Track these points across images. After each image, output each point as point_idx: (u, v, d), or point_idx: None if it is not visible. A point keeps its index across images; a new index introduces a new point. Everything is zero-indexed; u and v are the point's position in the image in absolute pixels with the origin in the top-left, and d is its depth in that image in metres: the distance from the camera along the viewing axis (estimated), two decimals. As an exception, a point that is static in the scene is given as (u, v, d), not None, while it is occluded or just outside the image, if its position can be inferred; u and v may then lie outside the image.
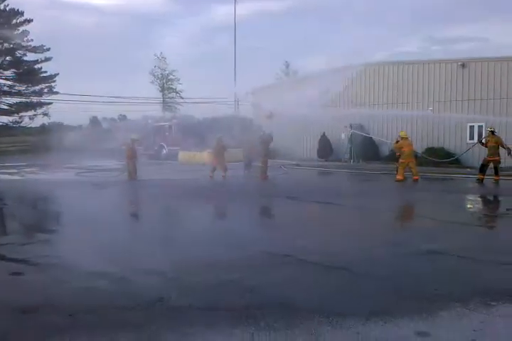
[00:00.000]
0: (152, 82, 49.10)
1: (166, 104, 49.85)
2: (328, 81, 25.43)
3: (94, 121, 44.30)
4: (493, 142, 15.07)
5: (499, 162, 15.08)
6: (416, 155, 18.78)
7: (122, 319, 4.26)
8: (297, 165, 22.43)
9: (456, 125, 21.65)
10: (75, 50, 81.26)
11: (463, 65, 21.27)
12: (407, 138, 15.84)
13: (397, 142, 15.99)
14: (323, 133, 25.01)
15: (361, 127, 24.22)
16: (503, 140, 15.39)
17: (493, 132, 15.36)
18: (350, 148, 23.73)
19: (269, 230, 8.46)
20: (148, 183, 16.36)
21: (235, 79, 32.48)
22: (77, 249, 6.95)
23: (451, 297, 4.67)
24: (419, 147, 21.95)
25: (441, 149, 21.64)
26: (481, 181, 14.94)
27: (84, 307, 4.49)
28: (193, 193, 13.56)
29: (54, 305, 4.57)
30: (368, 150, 22.16)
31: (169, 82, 50.08)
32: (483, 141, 15.69)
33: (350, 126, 23.91)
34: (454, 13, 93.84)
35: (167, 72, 52.48)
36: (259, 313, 4.22)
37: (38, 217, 10.62)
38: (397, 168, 15.67)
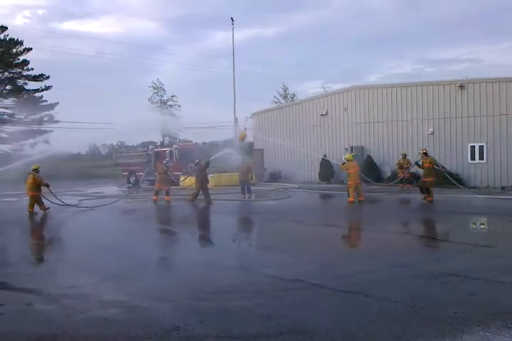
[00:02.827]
0: (151, 109, 49.50)
1: (165, 130, 50.13)
2: (326, 104, 25.77)
3: (93, 148, 44.49)
4: (427, 163, 15.63)
5: (433, 183, 15.57)
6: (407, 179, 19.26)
7: (140, 349, 4.18)
8: (299, 188, 22.38)
9: (457, 145, 21.75)
10: (74, 78, 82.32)
11: (461, 87, 21.51)
12: (352, 160, 16.54)
13: (344, 164, 16.60)
14: (324, 156, 25.08)
15: (362, 149, 24.31)
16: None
17: (425, 154, 15.95)
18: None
19: (277, 253, 8.35)
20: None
21: (234, 104, 32.66)
22: (87, 277, 6.89)
23: (472, 320, 4.61)
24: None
25: (443, 170, 21.65)
26: (429, 201, 15.26)
27: (99, 337, 4.42)
28: (181, 217, 13.52)
29: (69, 335, 4.49)
30: (369, 171, 22.16)
31: (168, 108, 50.57)
32: (419, 163, 16.18)
33: (351, 148, 23.99)
34: (446, 35, 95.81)
35: (166, 98, 53.06)
36: (279, 341, 4.15)
37: (42, 244, 10.51)
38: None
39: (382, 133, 23.88)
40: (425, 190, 15.59)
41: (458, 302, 5.19)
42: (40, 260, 8.92)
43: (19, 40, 43.93)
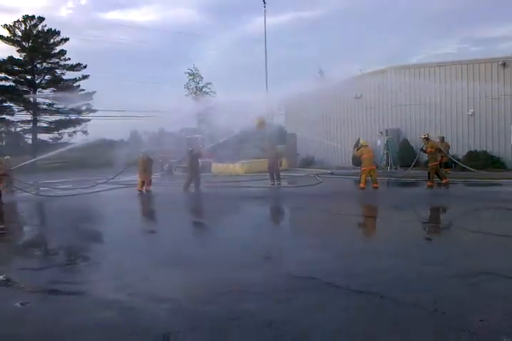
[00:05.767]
0: (187, 96, 49.44)
1: (200, 116, 50.04)
2: (362, 85, 24.77)
3: (135, 135, 44.93)
4: (429, 147, 15.54)
5: (434, 168, 15.29)
6: (446, 163, 18.26)
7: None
8: (331, 173, 21.73)
9: (499, 127, 20.50)
10: (116, 67, 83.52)
11: (504, 64, 20.16)
12: (367, 146, 16.26)
13: (358, 149, 16.30)
14: (358, 140, 24.21)
15: (398, 131, 23.32)
16: None
17: (427, 138, 15.88)
18: (387, 154, 22.86)
19: (292, 247, 7.87)
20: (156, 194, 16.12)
21: (266, 89, 32.03)
22: (90, 273, 6.64)
23: (501, 331, 4.02)
24: (460, 151, 20.96)
25: (484, 153, 20.50)
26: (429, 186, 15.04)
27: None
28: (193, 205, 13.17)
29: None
30: (405, 156, 21.23)
31: (203, 95, 50.34)
32: (424, 148, 16.09)
33: (386, 132, 23.05)
34: (492, 13, 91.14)
35: (201, 85, 52.86)
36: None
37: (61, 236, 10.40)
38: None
39: (419, 115, 22.78)
40: (433, 175, 15.25)
41: (486, 308, 4.59)
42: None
43: (56, 30, 44.58)
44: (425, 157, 21.87)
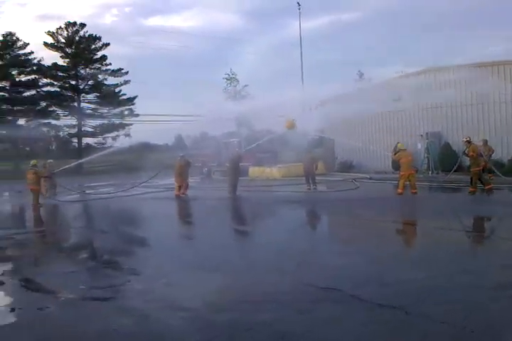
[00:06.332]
0: (226, 99, 49.72)
1: (239, 120, 50.21)
2: (402, 87, 24.12)
3: (179, 139, 45.57)
4: (470, 151, 14.82)
5: (477, 173, 14.61)
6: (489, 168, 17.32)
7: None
8: (370, 178, 21.24)
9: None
10: (158, 72, 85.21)
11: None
12: (405, 150, 15.70)
13: (396, 153, 15.78)
14: (396, 144, 23.59)
15: (439, 134, 22.58)
16: None
17: (469, 142, 15.10)
18: (428, 158, 22.15)
19: (323, 254, 7.66)
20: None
21: (302, 91, 31.73)
22: (117, 278, 6.66)
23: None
24: (505, 155, 20.06)
25: (531, 158, 19.54)
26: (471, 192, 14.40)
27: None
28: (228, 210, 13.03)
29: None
30: (446, 160, 20.51)
31: (241, 98, 50.47)
32: (466, 151, 15.26)
33: (426, 135, 22.36)
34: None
35: (239, 88, 53.04)
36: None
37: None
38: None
39: (461, 118, 21.99)
40: (475, 181, 14.55)
41: (520, 327, 4.27)
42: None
43: (97, 35, 45.81)
44: (468, 161, 21.11)
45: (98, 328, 4.64)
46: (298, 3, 32.15)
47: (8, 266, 7.82)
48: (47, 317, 5.11)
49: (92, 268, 7.39)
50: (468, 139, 15.38)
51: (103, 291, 5.97)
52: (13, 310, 5.44)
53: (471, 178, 14.81)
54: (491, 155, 17.82)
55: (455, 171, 19.14)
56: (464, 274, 6.03)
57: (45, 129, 47.95)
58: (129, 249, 9.09)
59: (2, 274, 7.02)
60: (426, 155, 22.26)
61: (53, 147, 52.01)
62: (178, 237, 10.23)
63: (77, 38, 45.48)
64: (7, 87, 44.60)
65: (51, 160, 20.05)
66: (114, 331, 4.57)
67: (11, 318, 5.14)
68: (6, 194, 19.58)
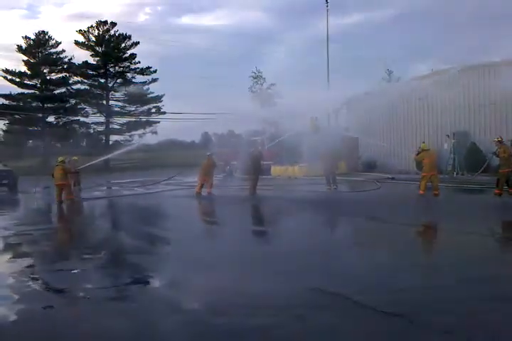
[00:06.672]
0: (252, 98, 49.64)
1: (264, 119, 50.06)
2: (429, 86, 23.60)
3: (206, 136, 45.82)
4: (501, 152, 14.29)
5: (505, 174, 14.06)
6: None
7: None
8: (393, 178, 20.88)
9: None
10: (191, 71, 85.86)
11: None
12: (428, 150, 15.26)
13: (418, 154, 15.29)
14: (423, 142, 23.10)
15: (466, 134, 22.01)
16: None
17: (500, 141, 14.61)
18: (454, 158, 21.62)
19: (334, 257, 7.50)
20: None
21: (328, 90, 31.41)
22: (123, 277, 6.67)
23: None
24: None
25: None
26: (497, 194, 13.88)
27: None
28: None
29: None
30: (473, 160, 19.96)
31: (268, 97, 50.31)
32: (496, 152, 14.68)
33: (453, 134, 21.82)
34: None
35: (266, 87, 52.88)
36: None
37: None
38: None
39: (490, 117, 21.39)
40: (502, 182, 14.06)
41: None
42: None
43: (127, 34, 46.41)
44: (497, 162, 20.49)
45: (91, 329, 4.64)
46: (326, 0, 31.82)
47: (17, 263, 7.89)
48: (50, 317, 5.14)
49: (99, 268, 7.40)
50: (500, 139, 14.88)
51: (105, 291, 5.95)
52: (17, 308, 5.49)
53: (498, 179, 14.35)
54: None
55: (482, 172, 18.62)
56: (481, 283, 5.77)
57: (74, 126, 48.90)
58: (144, 248, 9.10)
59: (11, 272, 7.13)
60: (452, 155, 21.74)
61: (84, 144, 53.02)
62: (193, 237, 10.17)
63: (107, 37, 46.19)
64: (38, 85, 45.66)
65: (76, 157, 20.44)
66: (109, 332, 4.56)
67: (14, 316, 5.18)
68: (33, 190, 19.99)
